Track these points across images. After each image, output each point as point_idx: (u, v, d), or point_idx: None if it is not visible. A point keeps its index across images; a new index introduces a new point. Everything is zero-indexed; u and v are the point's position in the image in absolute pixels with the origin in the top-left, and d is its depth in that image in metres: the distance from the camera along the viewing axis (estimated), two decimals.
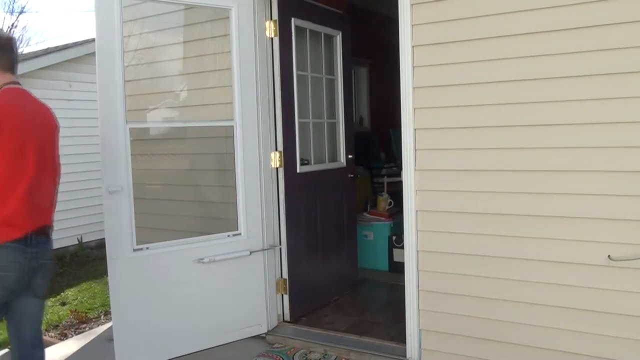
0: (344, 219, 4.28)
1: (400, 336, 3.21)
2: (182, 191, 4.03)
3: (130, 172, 3.05)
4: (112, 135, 3.00)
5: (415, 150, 2.93)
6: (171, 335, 3.24)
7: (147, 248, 3.16)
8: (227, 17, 3.39)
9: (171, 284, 3.23)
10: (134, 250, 3.11)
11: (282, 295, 3.73)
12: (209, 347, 3.35)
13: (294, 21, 3.71)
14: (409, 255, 3.00)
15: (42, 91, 7.29)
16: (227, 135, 3.48)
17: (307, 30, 3.91)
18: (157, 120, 4.11)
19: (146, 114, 3.90)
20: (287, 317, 3.74)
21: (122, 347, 3.07)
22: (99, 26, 2.94)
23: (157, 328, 3.20)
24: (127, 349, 3.09)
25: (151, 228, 3.59)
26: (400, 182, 3.06)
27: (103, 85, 2.97)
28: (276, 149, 3.64)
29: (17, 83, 2.31)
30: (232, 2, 3.36)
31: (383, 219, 5.06)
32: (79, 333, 4.16)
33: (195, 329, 3.31)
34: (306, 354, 3.31)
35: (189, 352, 3.29)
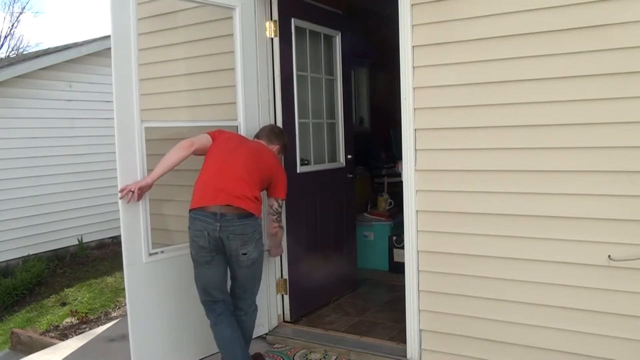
0: (343, 219, 4.28)
1: (400, 336, 3.22)
2: (182, 191, 4.01)
3: (146, 174, 2.95)
4: (128, 134, 2.90)
5: (416, 150, 2.93)
6: (185, 339, 3.17)
7: (162, 252, 3.08)
8: (230, 17, 3.38)
9: (181, 286, 3.13)
10: (150, 254, 3.01)
11: (282, 295, 3.73)
12: (214, 352, 3.20)
13: (294, 21, 3.71)
14: (409, 255, 3.00)
15: (42, 91, 7.37)
16: None
17: (307, 31, 3.91)
18: (169, 119, 4.05)
19: (158, 113, 3.83)
20: (288, 317, 3.74)
21: (138, 352, 2.96)
22: (114, 23, 2.84)
23: (173, 334, 3.12)
24: (143, 355, 2.99)
25: (153, 229, 3.57)
26: (401, 182, 3.06)
27: (119, 83, 2.86)
28: None
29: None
30: (236, 1, 3.36)
31: (383, 219, 5.05)
32: (79, 333, 4.17)
33: (204, 333, 3.14)
34: (306, 354, 3.31)
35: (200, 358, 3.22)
